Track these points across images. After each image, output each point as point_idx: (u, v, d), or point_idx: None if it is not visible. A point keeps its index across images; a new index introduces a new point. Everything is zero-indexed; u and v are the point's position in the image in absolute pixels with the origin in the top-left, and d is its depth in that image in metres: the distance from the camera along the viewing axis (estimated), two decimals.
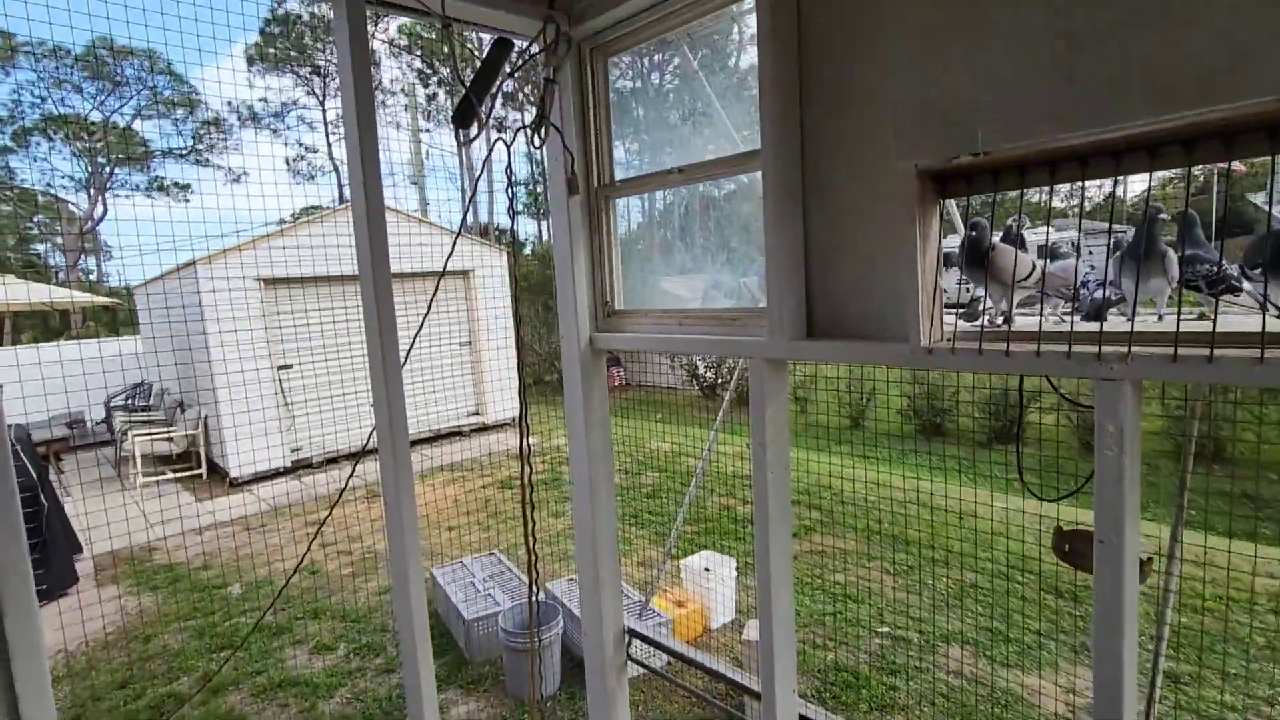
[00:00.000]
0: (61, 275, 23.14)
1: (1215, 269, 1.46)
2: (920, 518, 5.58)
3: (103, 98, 23.47)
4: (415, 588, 1.80)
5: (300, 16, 25.10)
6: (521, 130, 1.97)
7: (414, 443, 10.02)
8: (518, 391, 1.95)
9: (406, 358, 1.86)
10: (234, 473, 8.40)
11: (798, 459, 6.58)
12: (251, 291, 8.43)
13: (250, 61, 25.23)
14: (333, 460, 9.15)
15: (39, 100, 22.76)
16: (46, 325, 20.90)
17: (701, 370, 12.16)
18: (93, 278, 25.70)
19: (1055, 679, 3.62)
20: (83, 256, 25.04)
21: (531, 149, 1.99)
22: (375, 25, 26.17)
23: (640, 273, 2.25)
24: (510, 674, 3.79)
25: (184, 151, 25.25)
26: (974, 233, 1.39)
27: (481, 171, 2.02)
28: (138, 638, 4.74)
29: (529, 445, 2.02)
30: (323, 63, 26.51)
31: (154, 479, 8.56)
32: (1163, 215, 1.53)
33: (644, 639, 2.31)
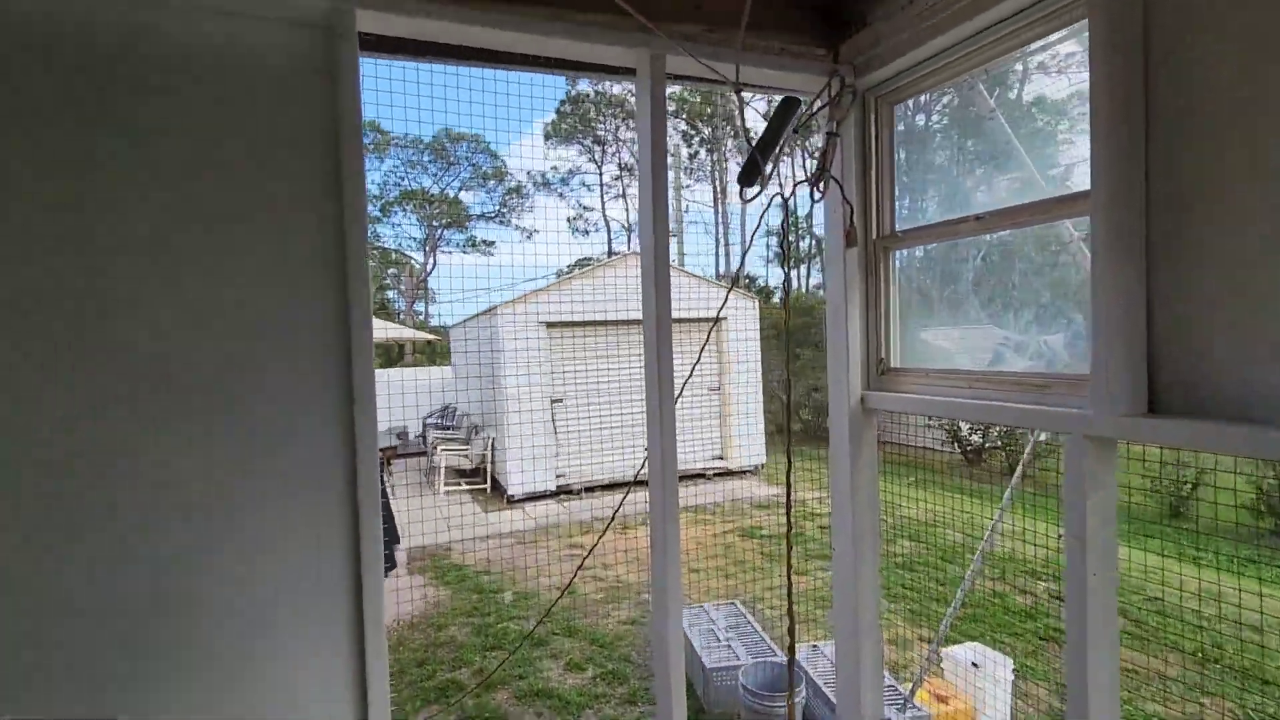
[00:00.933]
0: (401, 316, 29.13)
1: None
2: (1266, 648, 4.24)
3: (440, 174, 29.36)
4: (674, 632, 1.82)
5: (588, 94, 28.74)
6: (801, 184, 1.97)
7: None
8: (785, 451, 1.91)
9: (676, 398, 1.93)
10: (511, 491, 9.58)
11: None
12: (538, 333, 9.69)
13: (546, 136, 29.56)
14: (590, 489, 9.95)
15: (399, 180, 29.19)
16: (388, 355, 26.40)
17: (965, 432, 10.86)
18: (421, 318, 31.87)
19: None
20: (416, 301, 31.26)
21: (812, 200, 1.98)
22: None
23: (919, 329, 2.08)
24: None
25: (492, 214, 30.37)
26: None
27: (759, 223, 2.06)
28: (433, 625, 5.57)
29: (790, 501, 1.95)
30: (602, 133, 29.97)
31: (452, 489, 10.13)
32: None
33: None
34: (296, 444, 1.57)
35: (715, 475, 10.84)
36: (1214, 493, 6.87)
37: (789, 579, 1.87)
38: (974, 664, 3.93)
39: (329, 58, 1.59)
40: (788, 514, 1.89)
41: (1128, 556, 5.32)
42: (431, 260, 30.86)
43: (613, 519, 2.67)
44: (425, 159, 28.70)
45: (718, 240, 29.72)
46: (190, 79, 1.50)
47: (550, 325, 9.87)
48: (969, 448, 10.82)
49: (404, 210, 29.39)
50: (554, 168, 30.73)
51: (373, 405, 1.63)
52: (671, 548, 1.85)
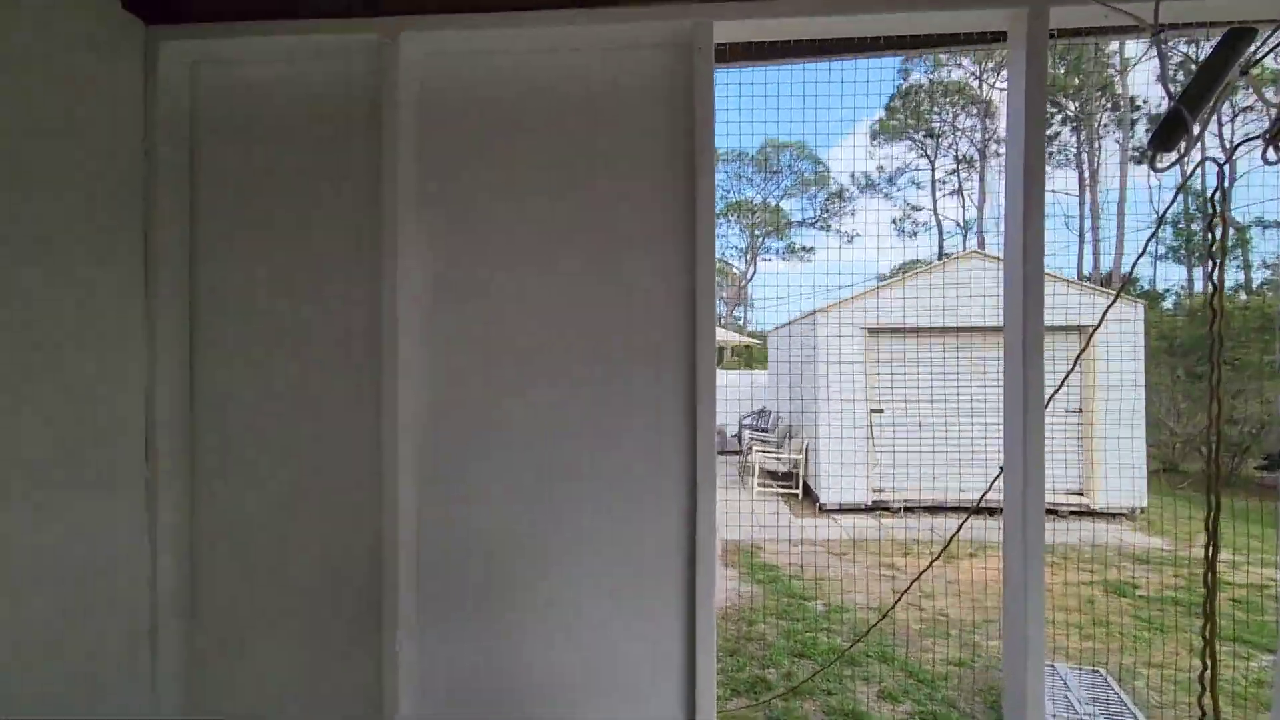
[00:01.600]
0: (723, 320, 30.81)
1: None
2: None
3: (763, 184, 30.22)
4: (1034, 691, 1.55)
5: (920, 85, 26.69)
6: (1250, 142, 1.51)
7: (991, 510, 9.18)
8: (1206, 493, 1.47)
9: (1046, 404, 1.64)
10: (823, 499, 9.36)
11: None
12: (857, 339, 9.30)
13: (872, 135, 28.27)
14: (910, 509, 9.19)
15: (724, 194, 30.88)
16: None
17: None
18: (740, 323, 33.25)
19: None
20: (736, 307, 32.69)
21: (1264, 162, 1.50)
22: (995, 75, 25.62)
23: None
24: None
25: (812, 220, 30.18)
26: None
27: (1172, 202, 1.64)
28: (744, 619, 5.72)
29: (1213, 554, 1.50)
30: (936, 124, 27.52)
31: (765, 489, 10.32)
32: None
33: None
34: (648, 433, 1.74)
35: (1070, 513, 9.08)
36: None
37: (1212, 657, 1.44)
38: None
39: (686, 74, 1.73)
40: (1211, 573, 1.46)
41: None
42: (752, 268, 31.97)
43: (945, 547, 2.39)
44: (749, 171, 29.83)
45: (1081, 235, 24.90)
46: (560, 112, 1.78)
47: (871, 331, 9.38)
48: None
49: (728, 221, 30.98)
50: (879, 167, 29.27)
51: (712, 403, 1.72)
52: (1034, 594, 1.58)
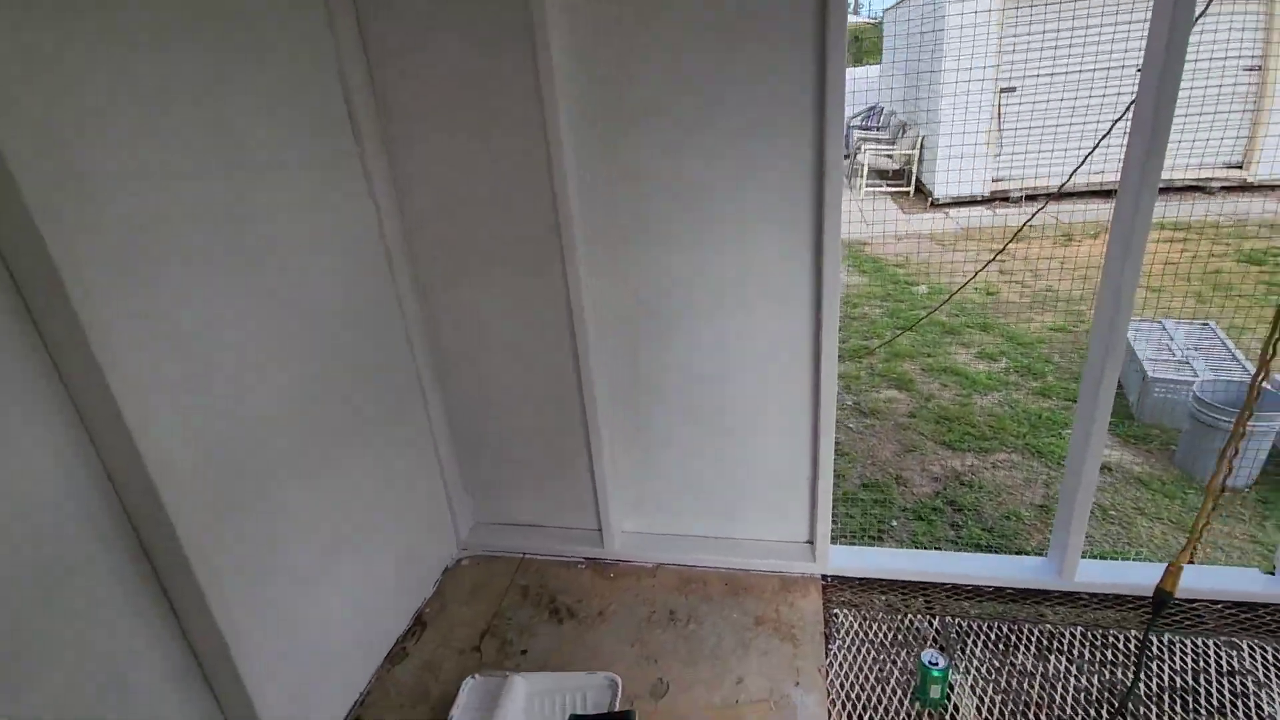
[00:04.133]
0: None
1: None
2: None
3: None
4: (1118, 337, 1.75)
5: None
6: None
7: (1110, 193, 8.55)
8: None
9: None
10: (936, 193, 9.05)
11: None
12: (989, 5, 8.03)
13: None
14: (1031, 198, 8.76)
15: None
16: None
17: None
18: (850, 7, 28.75)
19: None
20: None
21: None
22: None
23: None
24: (1184, 446, 3.39)
25: None
26: None
27: None
28: (848, 303, 6.12)
29: None
30: None
31: (873, 189, 10.05)
32: None
33: None
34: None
35: (1222, 189, 8.33)
36: None
37: None
38: None
39: None
40: None
41: None
42: None
43: (1020, 230, 2.40)
44: None
45: None
46: None
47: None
48: None
49: None
50: None
51: (841, 100, 1.77)
52: (1134, 257, 1.68)
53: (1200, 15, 1.96)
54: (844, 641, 2.14)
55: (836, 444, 4.02)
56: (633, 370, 2.28)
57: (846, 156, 12.01)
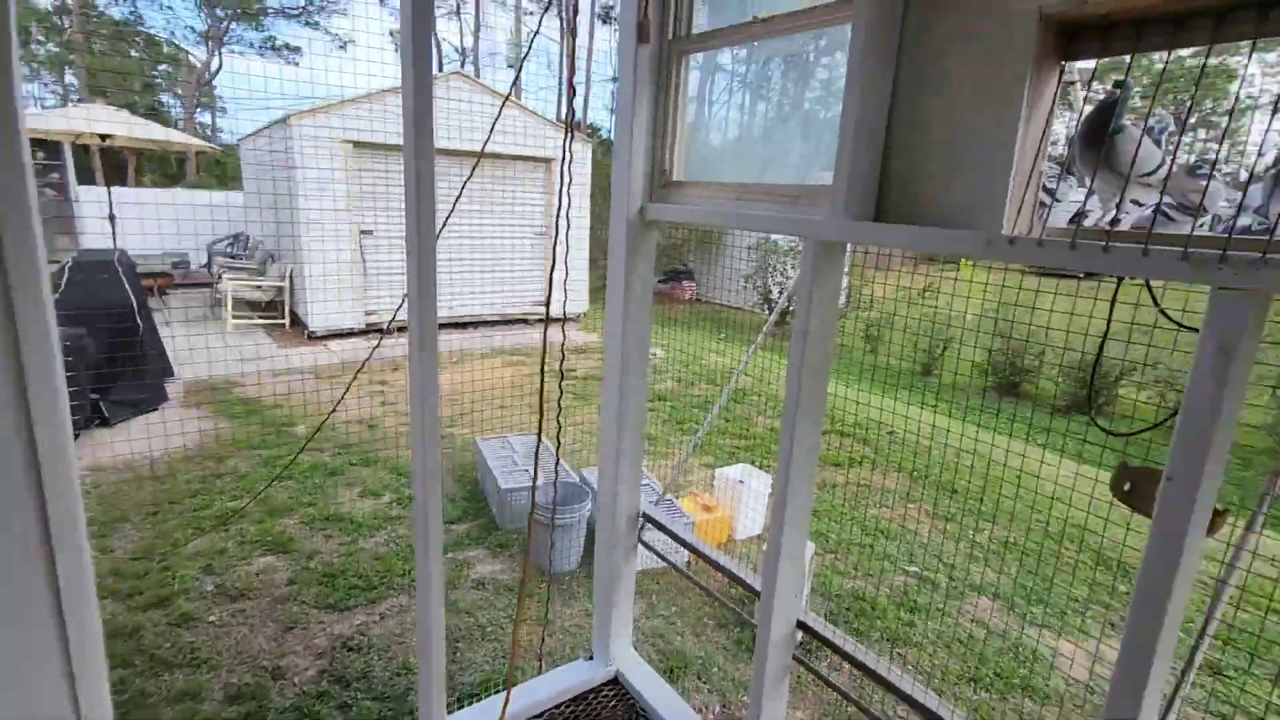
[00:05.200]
0: (180, 125, 24.35)
1: None
2: (974, 469, 5.34)
3: None
4: (431, 463, 1.79)
5: None
6: None
7: (479, 323, 10.29)
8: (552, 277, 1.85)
9: (437, 231, 1.76)
10: (312, 326, 8.87)
11: (858, 396, 6.36)
12: (340, 153, 8.58)
13: None
14: (403, 328, 9.51)
15: None
16: (164, 172, 22.25)
17: (776, 295, 11.79)
18: (209, 131, 27.00)
19: (1085, 646, 3.46)
20: (199, 109, 26.20)
21: None
22: None
23: (707, 140, 2.07)
24: (534, 545, 3.94)
25: (295, 11, 25.47)
26: (1111, 95, 1.14)
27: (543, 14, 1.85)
28: (212, 458, 5.18)
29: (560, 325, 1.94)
30: None
31: (243, 322, 9.16)
32: None
33: (657, 524, 2.30)
34: None
35: (537, 321, 10.85)
36: (955, 359, 8.17)
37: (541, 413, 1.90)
38: (740, 481, 4.49)
39: None
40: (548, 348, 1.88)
41: (881, 401, 6.24)
42: (217, 59, 25.65)
43: (357, 374, 2.52)
44: None
45: (560, 82, 27.77)
46: None
47: (357, 145, 8.78)
48: (776, 308, 11.78)
49: None
50: None
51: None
52: (430, 397, 1.77)
53: (466, 183, 2.28)
54: None
55: (190, 647, 3.18)
56: None
57: (208, 285, 10.74)
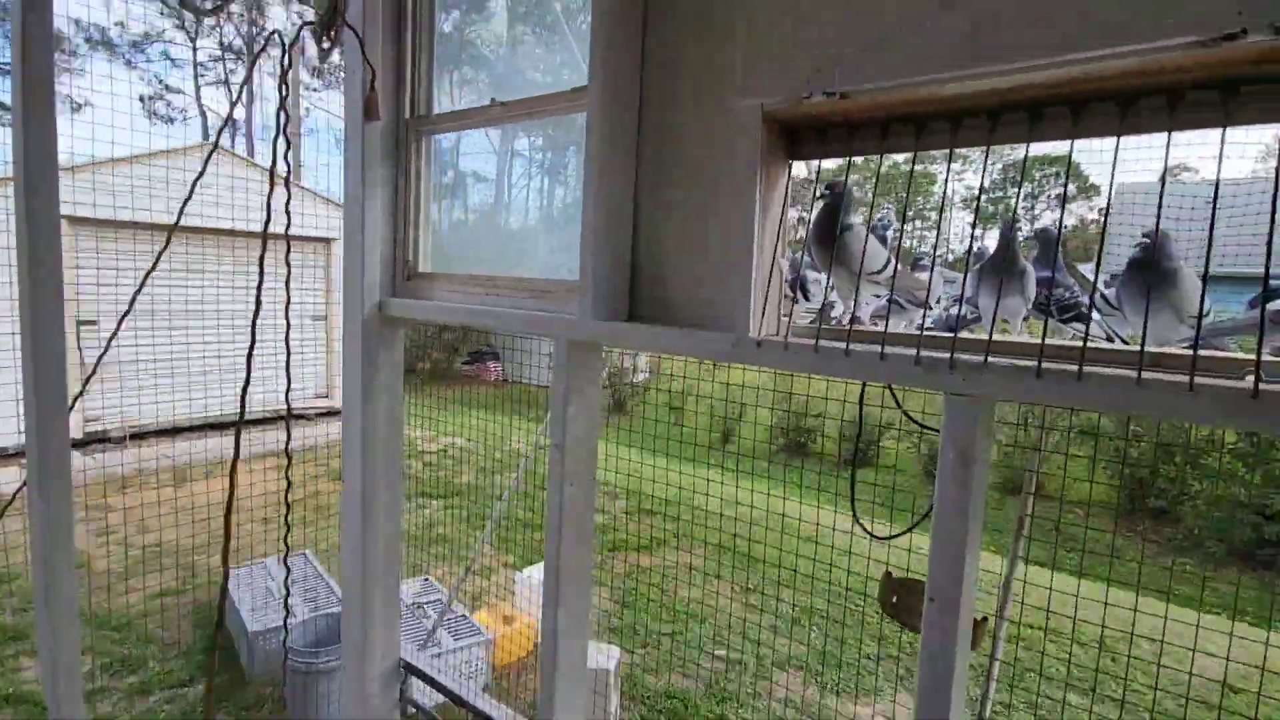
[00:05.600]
0: None
1: (1071, 295, 1.31)
2: (768, 537, 5.53)
3: None
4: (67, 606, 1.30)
5: None
6: (308, 26, 1.54)
7: (253, 421, 8.93)
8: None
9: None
10: (2, 442, 7.04)
11: (663, 468, 6.37)
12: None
13: None
14: (139, 436, 7.94)
15: None
16: None
17: None
18: None
19: (881, 707, 3.57)
20: None
21: (320, 51, 1.56)
22: None
23: (457, 228, 1.87)
24: (293, 700, 3.23)
25: (7, 67, 21.71)
26: (827, 198, 1.13)
27: (246, 78, 1.56)
28: None
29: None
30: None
31: None
32: (1021, 229, 1.38)
33: (423, 676, 1.91)
34: None
35: (319, 415, 9.70)
36: (752, 425, 8.66)
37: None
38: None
39: None
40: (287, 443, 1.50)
41: (679, 477, 6.31)
42: None
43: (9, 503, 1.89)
44: None
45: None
46: None
47: (73, 221, 7.38)
48: None
49: None
50: (119, 23, 23.41)
51: None
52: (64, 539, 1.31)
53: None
54: None
55: None
56: None
57: None
